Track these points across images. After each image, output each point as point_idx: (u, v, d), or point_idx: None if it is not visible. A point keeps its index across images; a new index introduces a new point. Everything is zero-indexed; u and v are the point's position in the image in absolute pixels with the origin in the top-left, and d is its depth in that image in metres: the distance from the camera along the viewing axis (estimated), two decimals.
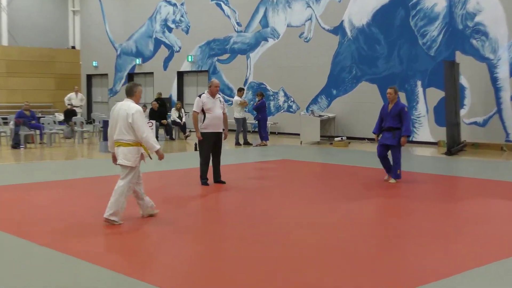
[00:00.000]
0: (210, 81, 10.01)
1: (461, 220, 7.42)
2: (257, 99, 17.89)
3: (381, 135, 10.06)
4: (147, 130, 6.74)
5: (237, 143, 17.52)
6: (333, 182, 10.42)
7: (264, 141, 17.55)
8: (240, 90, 17.98)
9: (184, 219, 7.24)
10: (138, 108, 6.80)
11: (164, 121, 19.72)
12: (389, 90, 9.92)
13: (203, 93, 9.87)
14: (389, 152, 10.14)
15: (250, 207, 8.04)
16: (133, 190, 6.98)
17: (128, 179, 6.84)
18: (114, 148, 6.92)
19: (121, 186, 6.82)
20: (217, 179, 10.04)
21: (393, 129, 9.86)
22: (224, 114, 9.88)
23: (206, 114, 9.71)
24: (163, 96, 24.47)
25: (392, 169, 10.04)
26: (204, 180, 9.92)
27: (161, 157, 6.95)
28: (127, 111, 6.75)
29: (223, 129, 9.91)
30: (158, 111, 19.87)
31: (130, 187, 6.88)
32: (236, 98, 17.75)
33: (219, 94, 9.92)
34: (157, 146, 6.81)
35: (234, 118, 17.66)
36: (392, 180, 10.00)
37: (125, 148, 6.80)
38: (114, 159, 6.94)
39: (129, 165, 6.80)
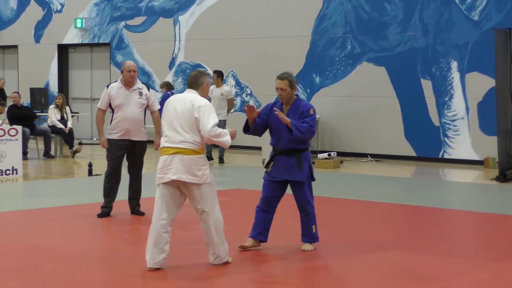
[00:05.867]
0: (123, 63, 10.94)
1: None
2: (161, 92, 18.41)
3: (271, 164, 8.95)
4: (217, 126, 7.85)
5: (209, 158, 17.76)
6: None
7: None
8: (219, 75, 18.45)
9: None
10: (207, 102, 7.95)
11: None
12: (278, 83, 8.85)
13: (116, 81, 10.82)
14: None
15: (183, 270, 7.89)
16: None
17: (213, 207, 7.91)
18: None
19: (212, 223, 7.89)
20: (134, 209, 10.98)
21: (295, 151, 8.91)
22: (153, 113, 10.94)
23: (115, 113, 10.67)
24: (34, 85, 24.06)
25: (304, 225, 9.04)
26: (104, 206, 10.85)
27: (233, 134, 8.04)
28: (193, 103, 7.84)
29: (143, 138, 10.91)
30: (24, 111, 19.54)
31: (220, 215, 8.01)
32: (217, 89, 18.22)
33: (141, 83, 10.85)
34: (228, 136, 7.92)
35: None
36: (307, 246, 8.97)
37: (188, 158, 7.78)
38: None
39: (195, 182, 7.77)
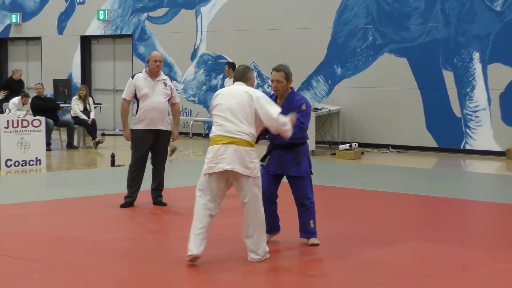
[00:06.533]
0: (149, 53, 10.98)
1: None
2: None
3: (267, 158, 8.78)
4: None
5: None
6: (337, 220, 10.38)
7: None
8: (230, 66, 18.35)
9: None
10: (262, 93, 8.03)
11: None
12: (274, 75, 8.58)
13: (140, 72, 10.95)
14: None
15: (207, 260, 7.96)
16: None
17: (257, 199, 7.84)
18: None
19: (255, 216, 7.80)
20: (156, 199, 11.03)
21: (293, 145, 8.67)
22: (173, 105, 11.09)
23: (140, 103, 10.74)
24: (58, 76, 24.18)
25: (302, 220, 8.77)
26: (128, 196, 10.87)
27: (293, 120, 8.03)
28: (250, 93, 7.83)
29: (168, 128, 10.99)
30: (47, 102, 19.64)
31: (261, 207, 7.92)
32: (230, 80, 18.11)
33: (164, 74, 10.94)
34: (290, 124, 7.90)
35: None
36: (313, 241, 8.76)
37: (242, 149, 7.69)
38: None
39: (247, 175, 7.69)
